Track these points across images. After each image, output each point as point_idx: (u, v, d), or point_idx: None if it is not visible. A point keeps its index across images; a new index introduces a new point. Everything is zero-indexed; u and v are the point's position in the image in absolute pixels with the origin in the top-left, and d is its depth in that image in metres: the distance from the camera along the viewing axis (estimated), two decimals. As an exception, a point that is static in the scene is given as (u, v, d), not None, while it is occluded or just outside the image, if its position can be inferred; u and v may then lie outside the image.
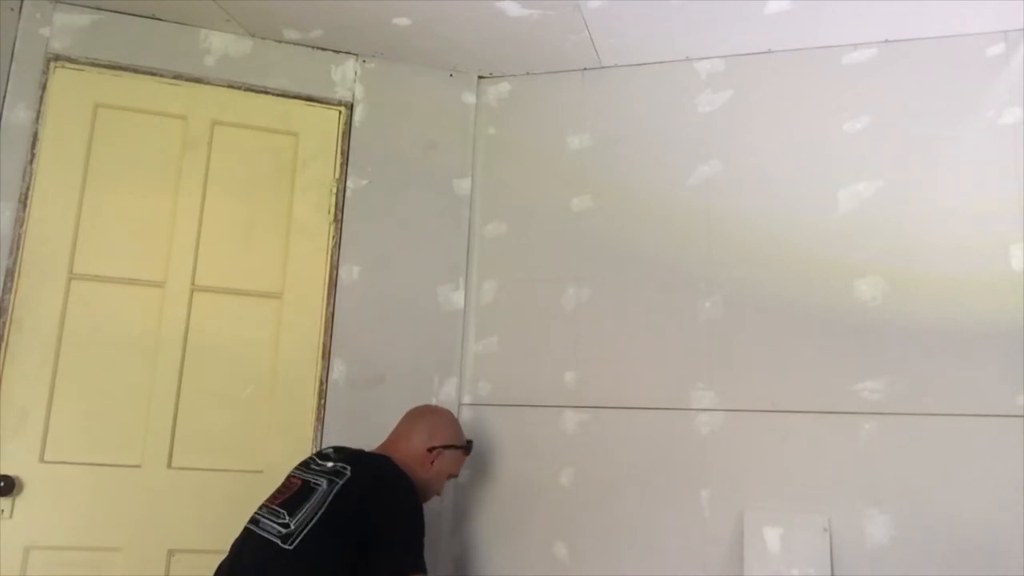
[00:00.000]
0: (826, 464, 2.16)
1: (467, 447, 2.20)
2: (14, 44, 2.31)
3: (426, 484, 2.05)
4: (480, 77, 2.69)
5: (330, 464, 1.93)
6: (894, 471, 2.10)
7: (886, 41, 2.34)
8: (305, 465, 1.99)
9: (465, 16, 2.33)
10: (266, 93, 2.50)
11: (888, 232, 2.23)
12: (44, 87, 2.32)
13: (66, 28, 2.36)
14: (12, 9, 2.32)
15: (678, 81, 2.51)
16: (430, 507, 2.04)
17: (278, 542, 1.77)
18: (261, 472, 2.28)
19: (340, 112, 2.56)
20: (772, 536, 2.13)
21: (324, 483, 1.86)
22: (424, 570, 1.85)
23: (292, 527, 1.78)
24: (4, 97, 2.28)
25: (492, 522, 2.40)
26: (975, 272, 2.14)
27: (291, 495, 1.87)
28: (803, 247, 2.29)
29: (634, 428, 2.33)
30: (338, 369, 2.40)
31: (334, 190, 2.50)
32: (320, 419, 2.36)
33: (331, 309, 2.43)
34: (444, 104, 2.65)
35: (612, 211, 2.49)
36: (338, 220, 2.49)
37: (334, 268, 2.46)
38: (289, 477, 1.97)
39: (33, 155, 2.28)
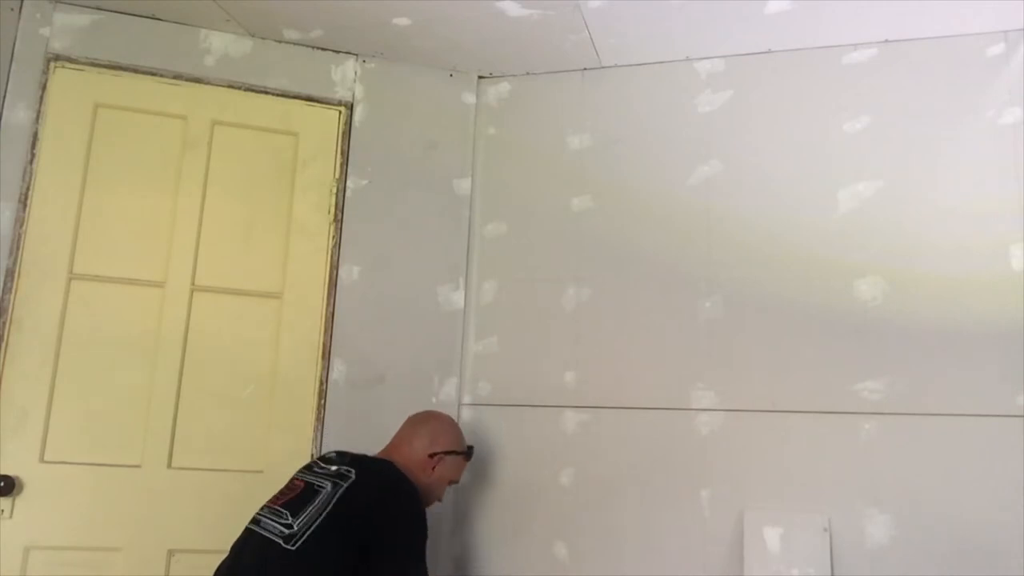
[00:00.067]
0: (826, 464, 2.16)
1: (468, 453, 2.20)
2: (14, 44, 2.31)
3: (427, 489, 2.05)
4: (480, 77, 2.69)
5: (334, 467, 1.93)
6: (894, 471, 2.10)
7: (886, 41, 2.34)
8: (308, 468, 2.00)
9: (465, 16, 2.33)
10: (266, 93, 2.50)
11: (888, 232, 2.23)
12: (44, 87, 2.32)
13: (66, 28, 2.36)
14: (12, 9, 2.32)
15: (678, 81, 2.51)
16: (430, 508, 2.04)
17: (280, 542, 1.77)
18: (261, 472, 2.28)
19: (340, 112, 2.56)
20: (772, 536, 2.13)
21: (328, 485, 1.86)
22: (425, 574, 1.86)
23: (295, 528, 1.78)
24: (4, 97, 2.28)
25: (492, 522, 2.40)
26: (975, 272, 2.14)
27: (294, 496, 1.87)
28: (803, 247, 2.29)
29: (634, 428, 2.33)
30: (338, 369, 2.40)
31: (334, 190, 2.50)
32: (320, 419, 2.36)
33: (331, 309, 2.43)
34: (444, 104, 2.65)
35: (612, 211, 2.49)
36: (338, 220, 2.49)
37: (334, 268, 2.46)
38: (292, 479, 1.97)
39: (33, 155, 2.28)
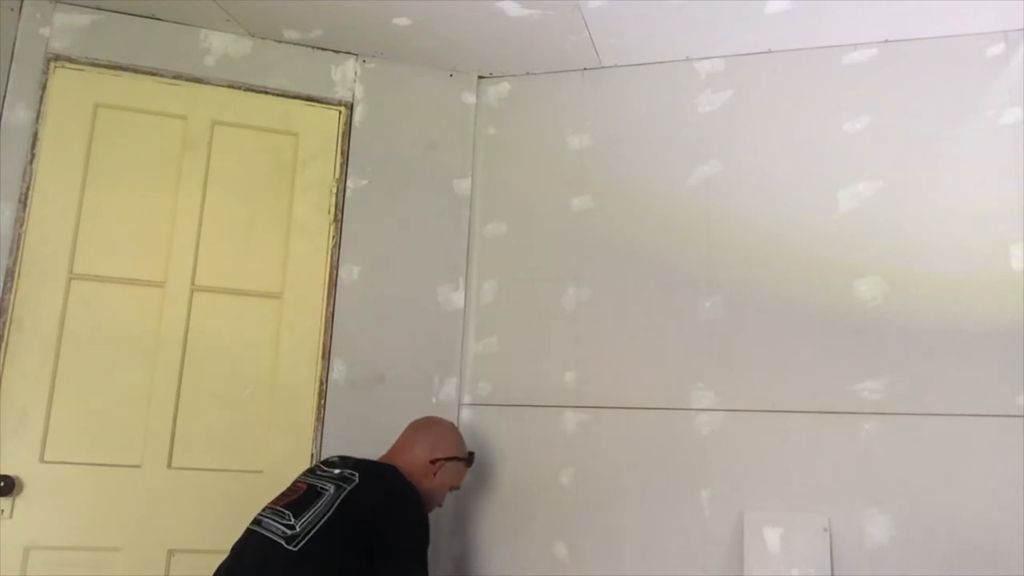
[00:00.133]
0: (826, 464, 2.16)
1: (469, 459, 2.21)
2: (14, 44, 2.31)
3: (429, 495, 2.05)
4: (480, 77, 2.69)
5: (337, 471, 1.93)
6: (894, 471, 2.10)
7: (886, 41, 2.34)
8: (311, 471, 2.00)
9: (465, 16, 2.33)
10: (266, 93, 2.50)
11: (888, 232, 2.23)
12: (44, 87, 2.32)
13: (66, 28, 2.36)
14: (12, 9, 2.32)
15: (678, 81, 2.51)
16: (430, 512, 2.04)
17: (282, 543, 1.76)
18: (261, 472, 2.28)
19: (340, 112, 2.56)
20: (772, 536, 2.13)
21: (331, 488, 1.86)
22: None
23: (297, 529, 1.78)
24: (4, 97, 2.28)
25: (492, 522, 2.40)
26: (975, 272, 2.14)
27: (297, 498, 1.87)
28: (803, 247, 2.29)
29: (634, 428, 2.33)
30: (338, 369, 2.40)
31: (334, 190, 2.50)
32: (320, 419, 2.36)
33: (331, 309, 2.43)
34: (444, 104, 2.65)
35: (612, 211, 2.49)
36: (338, 220, 2.49)
37: (334, 268, 2.46)
38: (295, 482, 1.97)
39: (33, 155, 2.28)
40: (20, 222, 2.25)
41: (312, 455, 2.32)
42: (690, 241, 2.40)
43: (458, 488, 2.21)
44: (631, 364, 2.37)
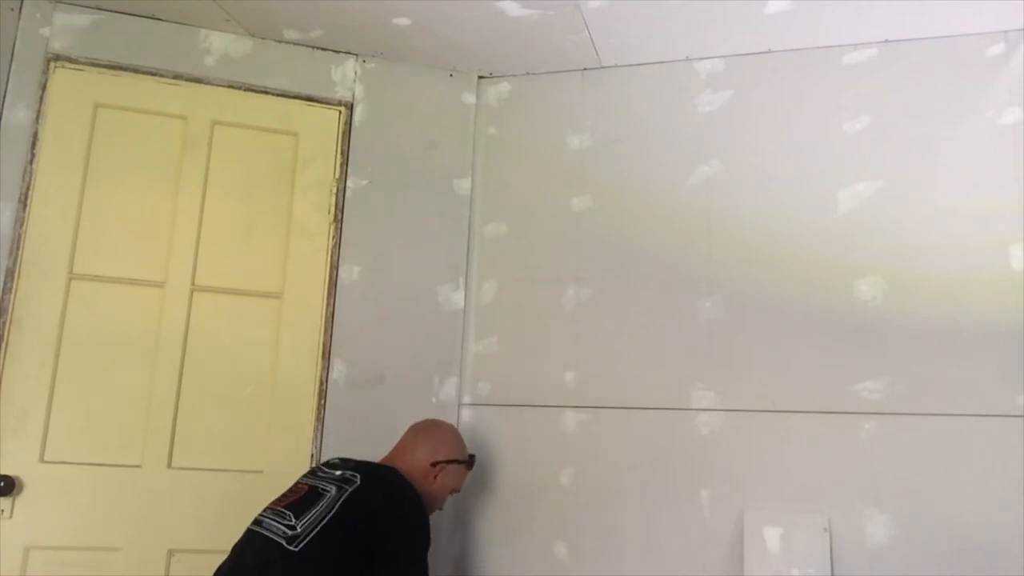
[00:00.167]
0: (826, 464, 2.16)
1: (470, 462, 2.21)
2: (14, 44, 2.31)
3: (429, 498, 2.05)
4: (480, 77, 2.69)
5: (338, 472, 1.93)
6: (894, 471, 2.10)
7: (886, 41, 2.34)
8: (312, 473, 2.00)
9: (465, 16, 2.33)
10: (266, 93, 2.50)
11: (888, 232, 2.23)
12: (44, 87, 2.32)
13: (66, 28, 2.36)
14: (12, 9, 2.32)
15: (678, 81, 2.51)
16: (430, 514, 2.04)
17: (283, 543, 1.76)
18: (261, 472, 2.28)
19: (340, 112, 2.56)
20: (772, 536, 2.13)
21: (333, 489, 1.86)
22: None
23: (298, 529, 1.78)
24: (4, 97, 2.28)
25: (492, 522, 2.40)
26: (975, 272, 2.14)
27: (298, 499, 1.87)
28: (803, 247, 2.29)
29: (634, 428, 2.33)
30: (338, 369, 2.40)
31: (334, 190, 2.50)
32: (320, 419, 2.36)
33: (331, 309, 2.43)
34: (444, 104, 2.65)
35: (612, 211, 2.49)
36: (338, 220, 2.49)
37: (334, 268, 2.46)
38: (296, 483, 1.97)
39: (33, 155, 2.28)
40: (20, 222, 2.25)
41: (312, 455, 2.32)
42: (690, 241, 2.40)
43: (459, 491, 2.21)
44: (631, 364, 2.37)
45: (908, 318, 2.17)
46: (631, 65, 2.56)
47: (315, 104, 2.54)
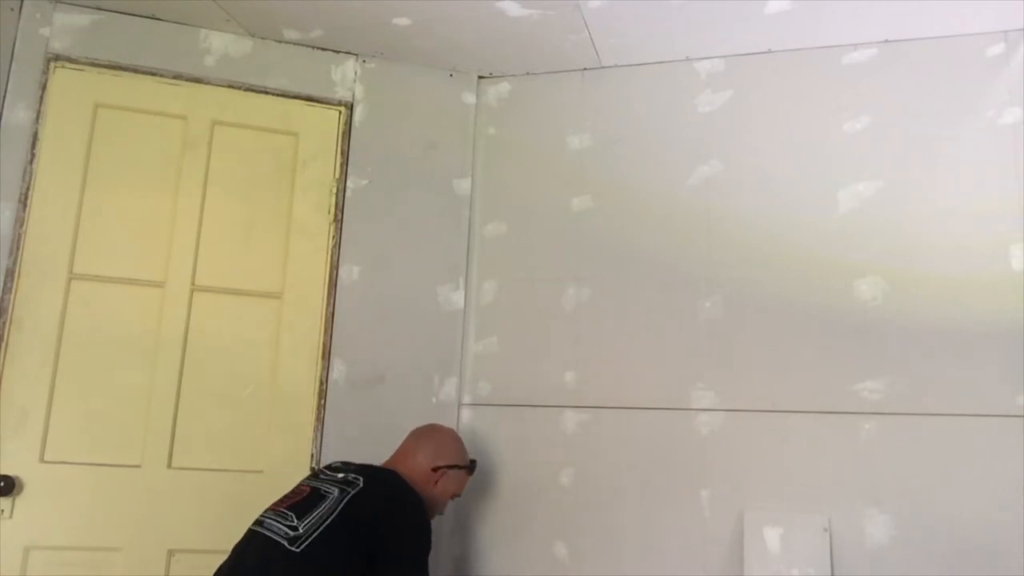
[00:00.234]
0: (826, 464, 2.16)
1: (471, 467, 2.20)
2: (14, 44, 2.31)
3: (430, 502, 2.05)
4: (480, 77, 2.69)
5: (341, 475, 1.93)
6: (894, 471, 2.10)
7: (886, 41, 2.34)
8: (314, 475, 2.00)
9: (465, 16, 2.33)
10: (266, 93, 2.50)
11: (888, 232, 2.23)
12: (44, 87, 2.32)
13: (66, 28, 2.36)
14: (12, 9, 2.32)
15: (678, 81, 2.51)
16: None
17: (285, 544, 1.76)
18: (261, 472, 2.28)
19: (340, 112, 2.56)
20: (772, 536, 2.13)
21: (335, 491, 1.86)
22: None
23: (300, 530, 1.78)
24: (4, 97, 2.28)
25: (492, 522, 2.40)
26: (975, 272, 2.14)
27: (300, 500, 1.87)
28: (803, 247, 2.29)
29: (634, 428, 2.33)
30: (338, 369, 2.40)
31: (334, 190, 2.50)
32: (320, 419, 2.36)
33: (331, 309, 2.43)
34: (444, 104, 2.65)
35: (612, 211, 2.49)
36: (338, 220, 2.49)
37: (334, 268, 2.46)
38: (298, 485, 1.97)
39: (33, 155, 2.28)
40: (20, 222, 2.25)
41: (312, 455, 2.32)
42: (690, 241, 2.40)
43: (460, 496, 2.21)
44: (631, 364, 2.37)
45: (908, 318, 2.17)
46: (631, 65, 2.56)
47: (315, 104, 2.54)
